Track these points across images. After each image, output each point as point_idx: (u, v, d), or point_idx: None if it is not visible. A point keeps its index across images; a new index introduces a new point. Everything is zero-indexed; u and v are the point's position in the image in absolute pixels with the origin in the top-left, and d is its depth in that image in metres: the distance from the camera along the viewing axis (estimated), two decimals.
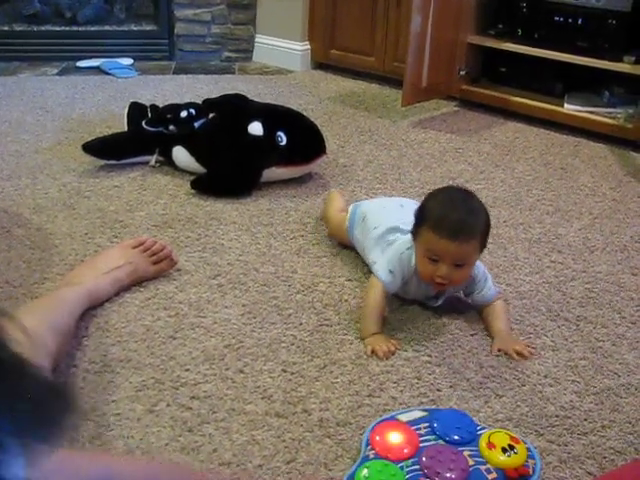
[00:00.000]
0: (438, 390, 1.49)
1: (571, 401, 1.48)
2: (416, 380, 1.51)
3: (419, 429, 1.33)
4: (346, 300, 1.78)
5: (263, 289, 1.81)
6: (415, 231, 1.64)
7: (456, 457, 1.27)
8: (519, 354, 1.60)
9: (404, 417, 1.37)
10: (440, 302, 1.74)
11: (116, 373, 1.50)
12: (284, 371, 1.52)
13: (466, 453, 1.29)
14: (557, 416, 1.44)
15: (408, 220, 1.72)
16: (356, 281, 1.86)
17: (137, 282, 1.79)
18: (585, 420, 1.44)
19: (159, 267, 1.83)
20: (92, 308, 1.69)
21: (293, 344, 1.61)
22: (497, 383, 1.52)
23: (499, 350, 1.62)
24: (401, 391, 1.48)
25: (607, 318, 1.78)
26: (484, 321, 1.71)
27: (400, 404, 1.44)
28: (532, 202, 2.38)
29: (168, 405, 1.42)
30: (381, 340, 1.61)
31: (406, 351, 1.61)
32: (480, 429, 1.35)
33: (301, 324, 1.68)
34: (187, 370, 1.51)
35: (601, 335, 1.71)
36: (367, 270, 1.90)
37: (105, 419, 1.37)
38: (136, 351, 1.57)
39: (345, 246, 2.02)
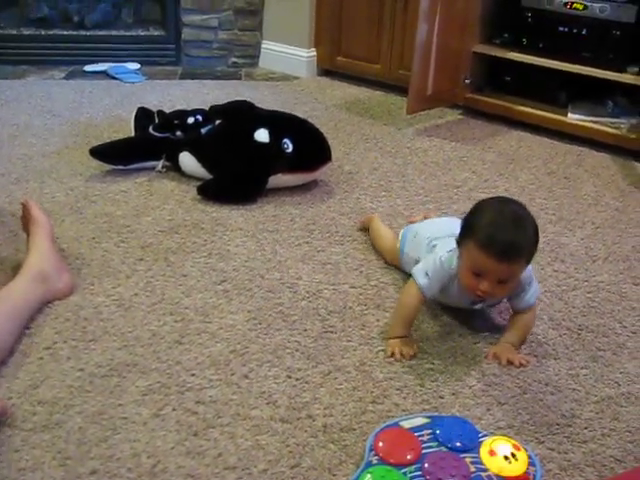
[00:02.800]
0: (441, 397, 1.51)
1: (572, 409, 1.50)
2: (419, 387, 1.53)
3: (422, 435, 1.35)
4: (350, 307, 1.80)
5: (268, 295, 1.83)
6: (460, 241, 1.61)
7: (458, 464, 1.29)
8: (509, 362, 1.62)
9: (407, 423, 1.38)
10: (482, 306, 1.74)
11: (122, 377, 1.52)
12: (289, 377, 1.54)
13: (468, 460, 1.30)
14: (558, 424, 1.46)
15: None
16: (360, 288, 1.88)
17: None
18: (585, 428, 1.45)
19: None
20: (97, 312, 1.71)
21: (298, 350, 1.63)
22: (499, 391, 1.54)
23: (493, 355, 1.64)
24: (404, 398, 1.50)
25: (608, 327, 1.79)
26: (509, 323, 1.73)
27: (403, 411, 1.46)
28: (535, 211, 2.36)
29: (174, 409, 1.43)
30: (403, 344, 1.63)
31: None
32: (482, 436, 1.37)
33: (305, 330, 1.70)
34: (193, 375, 1.53)
35: (602, 344, 1.72)
36: (372, 277, 1.93)
37: (111, 422, 1.39)
38: (142, 355, 1.59)
39: (349, 254, 2.04)
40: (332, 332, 1.70)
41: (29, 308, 1.67)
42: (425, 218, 2.08)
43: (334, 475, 1.30)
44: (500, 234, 1.52)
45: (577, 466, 1.36)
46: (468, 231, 1.58)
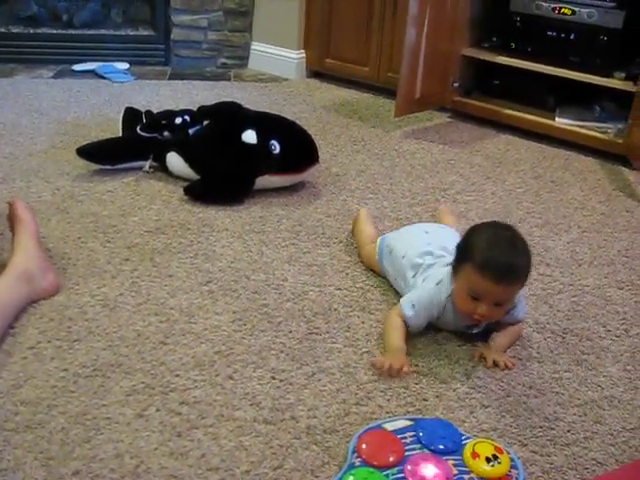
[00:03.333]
0: (425, 400, 1.51)
1: (555, 412, 1.51)
2: (403, 389, 1.53)
3: (405, 438, 1.35)
4: (335, 309, 1.80)
5: (254, 296, 1.83)
6: (456, 266, 1.63)
7: (440, 466, 1.29)
8: (495, 364, 1.62)
9: (390, 426, 1.39)
10: (480, 329, 1.72)
11: (106, 377, 1.51)
12: (273, 378, 1.54)
13: (450, 462, 1.31)
14: (541, 427, 1.46)
15: (436, 243, 1.77)
16: (346, 290, 1.88)
17: None
18: (568, 431, 1.46)
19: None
20: (82, 311, 1.71)
21: (282, 352, 1.63)
22: (483, 394, 1.54)
23: (480, 355, 1.65)
24: (388, 400, 1.50)
25: (592, 331, 1.80)
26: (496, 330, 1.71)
27: (387, 413, 1.46)
28: (522, 215, 2.40)
29: (158, 410, 1.43)
30: (399, 358, 1.57)
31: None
32: (465, 439, 1.37)
33: (290, 332, 1.70)
34: (177, 376, 1.53)
35: (586, 348, 1.73)
36: (357, 279, 1.93)
37: (95, 423, 1.39)
38: (127, 356, 1.58)
39: (335, 255, 2.04)
40: (317, 334, 1.70)
41: (14, 307, 1.67)
42: None
43: (317, 477, 1.30)
44: (498, 256, 1.55)
45: (559, 469, 1.36)
46: (465, 255, 1.61)
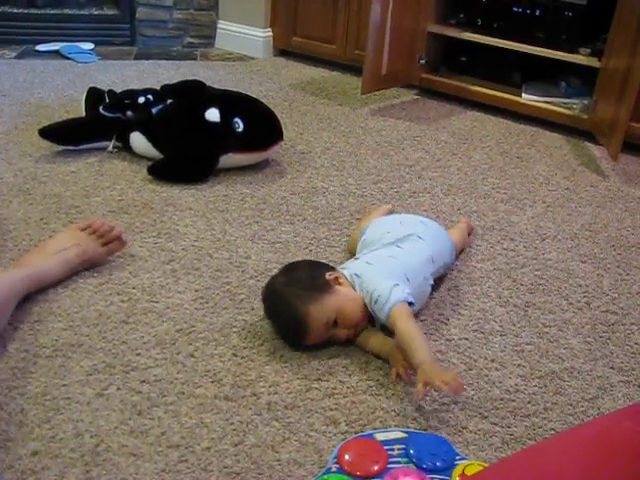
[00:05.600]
0: (386, 375, 1.51)
1: (516, 385, 1.52)
2: (364, 364, 1.53)
3: (392, 450, 1.30)
4: None
5: (216, 274, 1.82)
6: None
7: None
8: (448, 385, 1.35)
9: (381, 436, 1.33)
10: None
11: (67, 357, 1.50)
12: (234, 355, 1.53)
13: None
14: (502, 399, 1.47)
15: (396, 233, 1.74)
16: None
17: (88, 264, 1.80)
18: (529, 403, 1.47)
19: (108, 248, 1.83)
20: (43, 292, 1.69)
21: (244, 329, 1.62)
22: (445, 367, 1.55)
23: (425, 385, 1.37)
24: (350, 375, 1.50)
25: (555, 304, 1.81)
26: (401, 352, 1.49)
27: (348, 388, 1.46)
28: (487, 190, 2.41)
29: (118, 389, 1.42)
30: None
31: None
32: (459, 459, 1.30)
33: (253, 309, 1.69)
34: (138, 354, 1.52)
35: (548, 321, 1.74)
36: (320, 257, 1.92)
37: (55, 403, 1.38)
38: (88, 336, 1.57)
39: (299, 233, 2.04)
40: None
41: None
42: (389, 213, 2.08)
43: (277, 452, 1.30)
44: (280, 332, 1.59)
45: (519, 440, 1.37)
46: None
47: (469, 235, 2.08)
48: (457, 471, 1.26)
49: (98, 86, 2.72)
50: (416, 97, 3.33)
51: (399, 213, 2.12)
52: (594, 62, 2.86)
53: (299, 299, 1.52)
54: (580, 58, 2.91)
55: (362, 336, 1.59)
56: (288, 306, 1.52)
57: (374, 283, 1.57)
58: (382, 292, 1.53)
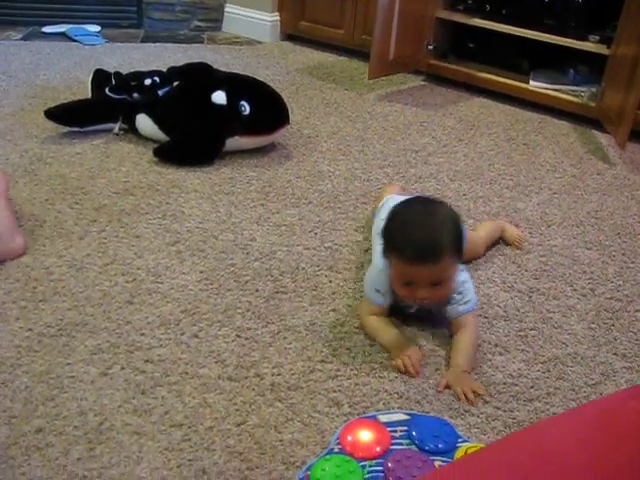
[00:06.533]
0: (389, 357, 1.51)
1: (519, 369, 1.52)
2: (368, 347, 1.54)
3: (395, 431, 1.30)
4: (303, 268, 1.80)
5: (221, 256, 1.82)
6: (384, 255, 1.55)
7: (423, 465, 1.22)
8: (466, 396, 1.42)
9: (384, 418, 1.34)
10: (413, 311, 1.64)
11: (72, 337, 1.51)
12: (238, 336, 1.54)
13: (437, 463, 1.24)
14: (505, 383, 1.47)
15: None
16: (314, 249, 1.88)
17: None
18: (532, 387, 1.47)
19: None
20: (48, 272, 1.70)
21: (249, 310, 1.62)
22: (448, 351, 1.55)
23: (446, 387, 1.44)
24: (353, 357, 1.50)
25: (559, 290, 1.81)
26: (452, 345, 1.56)
27: (351, 370, 1.46)
28: (493, 176, 2.41)
29: (122, 368, 1.43)
30: (408, 349, 1.50)
31: (359, 319, 1.63)
32: (461, 441, 1.30)
33: (257, 291, 1.69)
34: (142, 334, 1.52)
35: (552, 306, 1.74)
36: (326, 239, 1.92)
37: (59, 381, 1.38)
38: (92, 315, 1.57)
39: (304, 216, 2.04)
40: (284, 292, 1.70)
41: None
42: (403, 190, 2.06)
43: (280, 432, 1.30)
44: (412, 237, 1.46)
45: (521, 424, 1.37)
46: (386, 243, 1.54)
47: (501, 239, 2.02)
48: (459, 453, 1.26)
49: (104, 68, 2.71)
50: (423, 83, 3.32)
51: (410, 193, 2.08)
52: (603, 49, 2.84)
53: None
54: (589, 45, 2.89)
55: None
56: (441, 220, 1.50)
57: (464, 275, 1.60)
58: (469, 289, 1.59)
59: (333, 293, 1.71)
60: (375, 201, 2.02)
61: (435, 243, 1.46)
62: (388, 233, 1.53)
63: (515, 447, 0.75)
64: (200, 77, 2.41)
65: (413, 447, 1.28)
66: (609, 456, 0.63)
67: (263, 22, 3.82)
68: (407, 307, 1.63)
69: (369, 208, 2.08)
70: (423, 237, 1.46)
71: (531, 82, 3.11)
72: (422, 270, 1.47)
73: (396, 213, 1.56)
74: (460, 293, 1.57)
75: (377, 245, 1.67)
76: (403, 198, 1.77)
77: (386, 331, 1.56)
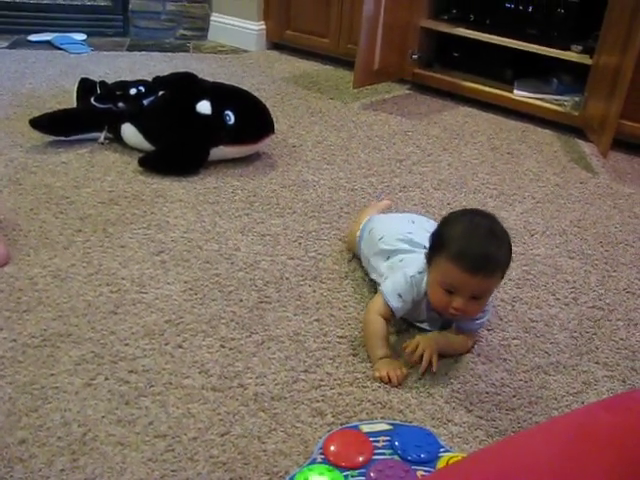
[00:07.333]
0: (374, 369, 1.51)
1: (502, 379, 1.53)
2: (352, 357, 1.54)
3: (377, 441, 1.31)
4: (287, 278, 1.80)
5: (205, 266, 1.83)
6: (430, 256, 1.53)
7: (405, 475, 1.23)
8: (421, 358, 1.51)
9: (367, 427, 1.34)
10: (437, 328, 1.64)
11: (56, 347, 1.51)
12: (222, 346, 1.54)
13: (419, 473, 1.25)
14: (487, 393, 1.48)
15: (418, 234, 1.67)
16: (298, 259, 1.89)
17: None
18: (514, 397, 1.48)
19: None
20: (33, 282, 1.70)
21: (232, 320, 1.63)
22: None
23: (415, 347, 1.52)
24: (337, 367, 1.51)
25: (542, 299, 1.82)
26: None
27: (335, 380, 1.47)
28: (477, 185, 2.42)
29: (106, 379, 1.43)
30: (394, 365, 1.51)
31: (342, 329, 1.64)
32: (443, 451, 1.31)
33: (241, 301, 1.70)
34: (127, 345, 1.53)
35: (535, 315, 1.76)
36: (310, 249, 1.93)
37: (43, 392, 1.38)
38: (77, 326, 1.58)
39: (288, 225, 2.04)
40: (267, 302, 1.70)
41: None
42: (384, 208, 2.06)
43: (263, 443, 1.31)
44: (475, 246, 1.45)
45: (503, 433, 1.39)
46: (439, 245, 1.50)
47: None
48: (441, 463, 1.27)
49: (90, 77, 2.71)
50: (408, 92, 3.34)
51: (392, 212, 2.10)
52: (586, 59, 2.87)
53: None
54: (572, 55, 2.92)
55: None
56: (503, 239, 1.50)
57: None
58: (489, 311, 1.65)
59: (317, 303, 1.71)
60: (354, 224, 1.96)
61: (494, 257, 1.46)
62: (445, 236, 1.50)
63: (495, 458, 0.76)
64: (185, 87, 2.42)
65: (395, 457, 1.28)
66: (585, 469, 0.64)
67: (249, 31, 3.83)
68: (419, 322, 1.64)
69: (353, 218, 2.08)
70: (486, 250, 1.45)
71: (515, 91, 3.13)
72: (471, 280, 1.45)
73: (456, 219, 1.54)
74: (483, 311, 1.58)
75: (381, 262, 1.69)
76: (388, 216, 1.84)
77: (381, 347, 1.54)
